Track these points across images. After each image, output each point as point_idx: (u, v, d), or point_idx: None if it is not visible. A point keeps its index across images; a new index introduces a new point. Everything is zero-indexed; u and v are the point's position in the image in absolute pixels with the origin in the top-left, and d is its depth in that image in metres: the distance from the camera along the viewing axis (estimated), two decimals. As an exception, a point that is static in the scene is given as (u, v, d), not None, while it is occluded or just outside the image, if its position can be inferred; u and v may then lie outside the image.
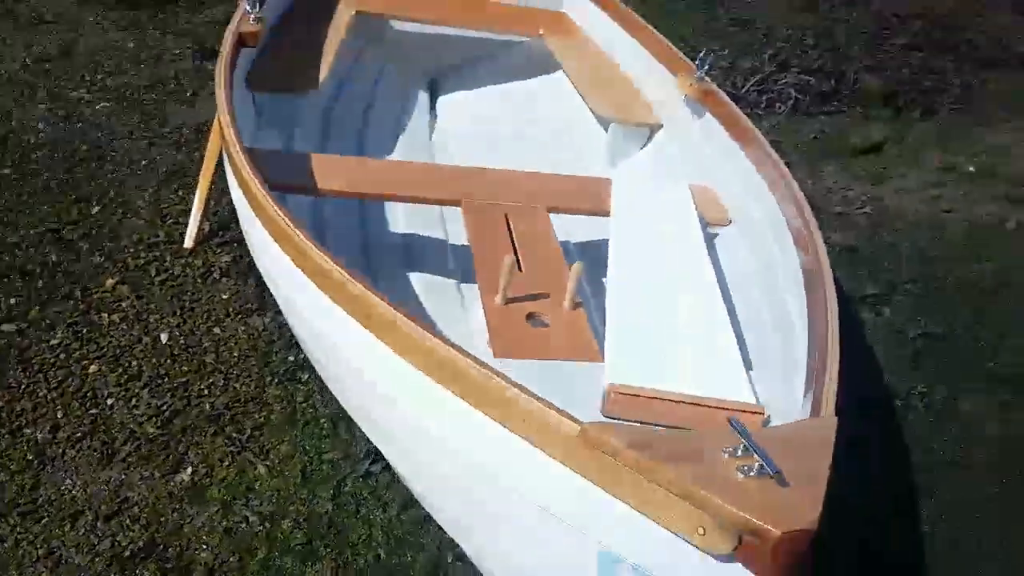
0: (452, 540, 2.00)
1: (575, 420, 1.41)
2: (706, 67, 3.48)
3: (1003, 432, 2.91)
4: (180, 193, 3.93)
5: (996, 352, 3.30)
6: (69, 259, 3.44)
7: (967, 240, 3.89)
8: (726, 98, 3.40)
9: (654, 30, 4.14)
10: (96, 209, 3.77)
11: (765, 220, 2.84)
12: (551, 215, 3.00)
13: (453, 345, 1.64)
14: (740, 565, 1.24)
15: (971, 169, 4.35)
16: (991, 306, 3.53)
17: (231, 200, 2.96)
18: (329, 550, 2.40)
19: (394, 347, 1.76)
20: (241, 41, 3.33)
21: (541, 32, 4.65)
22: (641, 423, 1.90)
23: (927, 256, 3.84)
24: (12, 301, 3.18)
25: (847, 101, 5.03)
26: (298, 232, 2.05)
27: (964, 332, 3.41)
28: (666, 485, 1.27)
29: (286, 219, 2.11)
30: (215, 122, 3.58)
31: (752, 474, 1.26)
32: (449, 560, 2.40)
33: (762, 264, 2.78)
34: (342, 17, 4.14)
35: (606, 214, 3.06)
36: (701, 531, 1.26)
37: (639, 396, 1.95)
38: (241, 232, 2.99)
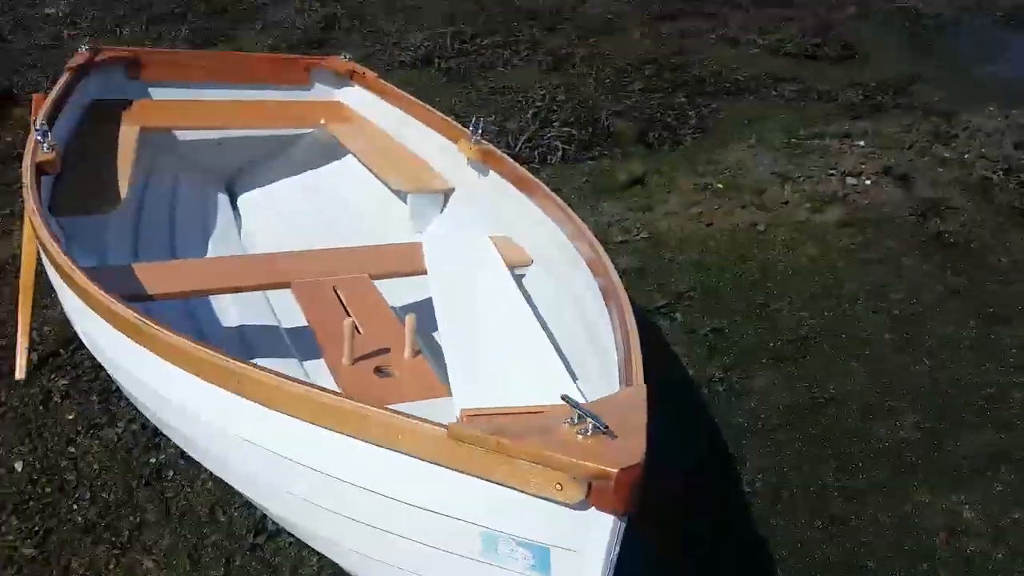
0: None
1: (440, 424, 1.67)
2: (480, 131, 3.88)
3: (791, 399, 3.43)
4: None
5: (773, 334, 3.85)
6: None
7: (730, 245, 4.51)
8: (504, 155, 3.78)
9: (428, 106, 4.52)
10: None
11: (561, 255, 3.19)
12: (374, 282, 3.29)
13: (323, 388, 1.90)
14: (594, 508, 1.54)
15: (720, 185, 5.03)
16: (760, 297, 4.12)
17: (56, 324, 3.03)
18: None
19: (267, 401, 1.94)
20: (41, 170, 3.38)
21: (322, 122, 4.94)
22: None
23: (701, 265, 4.39)
24: None
25: (606, 145, 5.63)
26: (158, 328, 2.24)
27: (744, 322, 3.95)
28: (525, 456, 1.56)
29: (146, 321, 2.29)
30: (25, 253, 3.66)
31: (588, 434, 1.58)
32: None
33: (567, 292, 3.17)
34: (129, 136, 4.19)
35: (423, 272, 3.43)
36: (558, 486, 1.54)
37: (487, 415, 2.27)
38: (72, 352, 3.08)
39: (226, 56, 5.20)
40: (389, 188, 4.40)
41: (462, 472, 1.67)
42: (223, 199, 4.89)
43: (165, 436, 3.16)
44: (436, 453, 1.69)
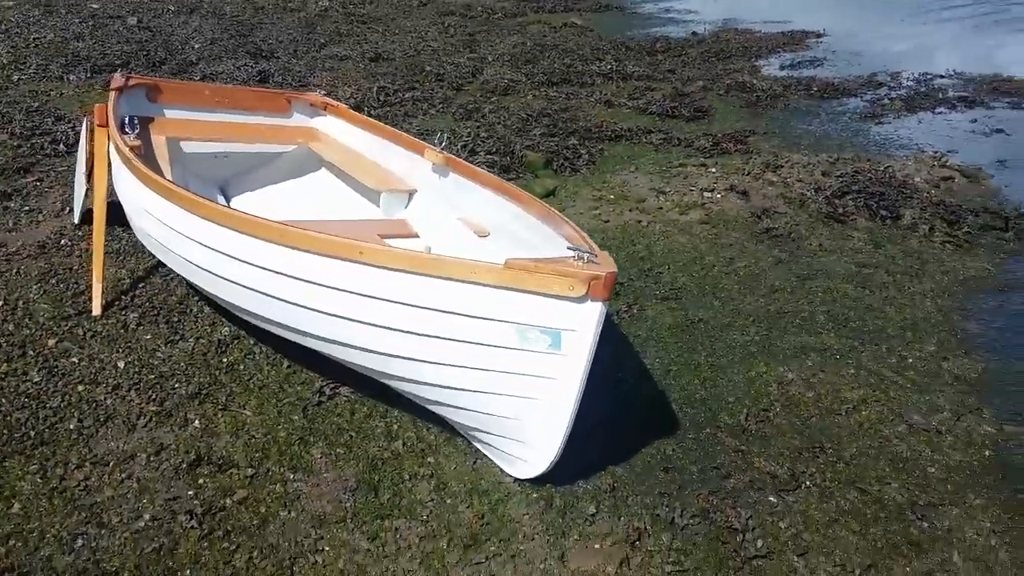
0: (393, 417, 3.44)
1: (497, 263, 2.96)
2: (443, 142, 5.20)
3: (672, 321, 4.86)
4: (60, 286, 4.89)
5: (659, 286, 5.26)
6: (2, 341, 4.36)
7: (623, 234, 5.98)
8: (461, 160, 5.03)
9: (392, 128, 5.83)
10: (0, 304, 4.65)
11: (517, 223, 4.35)
12: None
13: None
14: (589, 301, 2.91)
15: (611, 197, 6.56)
16: (647, 265, 5.55)
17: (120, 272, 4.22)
18: (316, 439, 3.70)
19: (374, 260, 3.13)
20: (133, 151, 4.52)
21: (300, 142, 6.21)
22: None
23: (603, 246, 5.71)
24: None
25: (521, 169, 7.09)
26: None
27: (638, 278, 5.33)
28: (552, 272, 2.87)
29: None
30: (96, 210, 4.73)
31: (585, 261, 2.98)
32: (395, 427, 3.83)
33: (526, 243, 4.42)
34: (160, 140, 5.39)
35: (416, 236, 4.74)
36: (571, 288, 2.93)
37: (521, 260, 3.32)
38: (135, 293, 4.29)
39: (223, 88, 6.38)
40: (361, 192, 5.61)
41: (508, 288, 2.96)
42: (220, 200, 6.00)
43: (235, 343, 4.32)
44: (496, 279, 2.97)
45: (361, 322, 3.31)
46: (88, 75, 10.01)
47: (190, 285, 4.75)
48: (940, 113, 9.82)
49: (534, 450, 3.26)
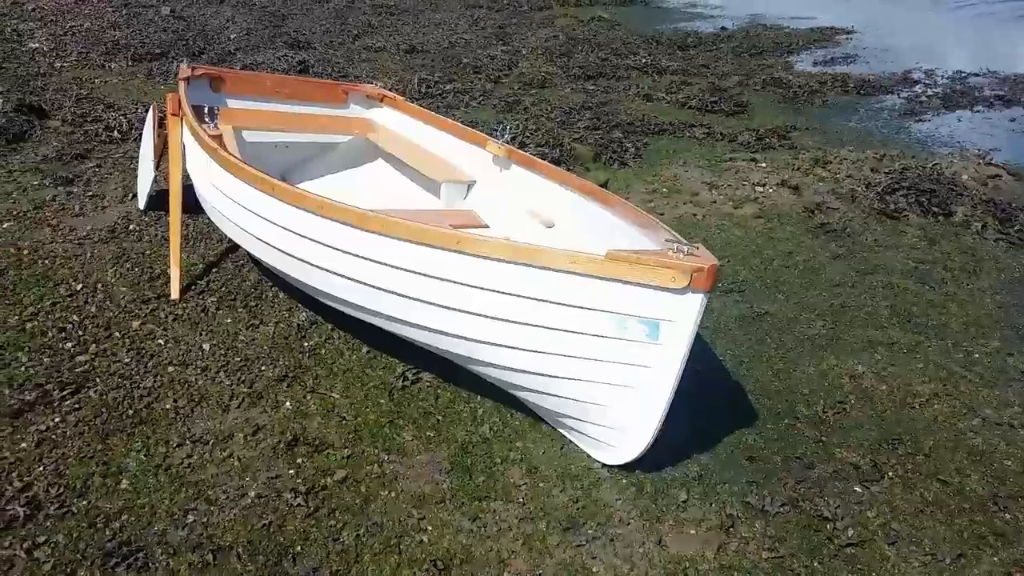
0: (477, 402, 3.51)
1: (595, 253, 3.01)
2: (506, 134, 5.29)
3: (738, 313, 4.90)
4: (135, 270, 4.98)
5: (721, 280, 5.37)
6: (87, 323, 4.46)
7: (679, 227, 5.99)
8: (525, 154, 5.05)
9: (451, 120, 5.90)
10: (79, 286, 4.74)
11: (578, 213, 4.44)
12: None
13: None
14: (690, 292, 2.98)
15: (664, 190, 6.64)
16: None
17: (198, 258, 4.29)
18: (405, 422, 3.79)
19: (476, 251, 3.18)
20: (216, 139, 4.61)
21: (356, 132, 6.28)
22: None
23: None
24: (86, 333, 4.19)
25: (571, 162, 7.18)
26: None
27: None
28: (654, 263, 2.93)
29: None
30: (172, 196, 4.82)
31: (685, 253, 3.05)
32: (480, 412, 3.90)
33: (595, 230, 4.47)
34: (226, 129, 5.47)
35: (485, 226, 4.81)
36: (673, 279, 2.99)
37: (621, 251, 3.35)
38: (212, 278, 4.41)
39: (283, 79, 6.46)
40: (419, 182, 5.66)
41: (609, 279, 3.02)
42: None
43: (313, 328, 4.41)
44: (596, 269, 3.02)
45: (457, 310, 3.38)
46: (129, 63, 10.11)
47: (266, 270, 4.84)
48: (979, 111, 9.86)
49: (627, 437, 3.33)
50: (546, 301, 3.18)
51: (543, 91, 9.98)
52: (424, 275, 3.39)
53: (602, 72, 11.06)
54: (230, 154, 4.23)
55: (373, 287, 3.62)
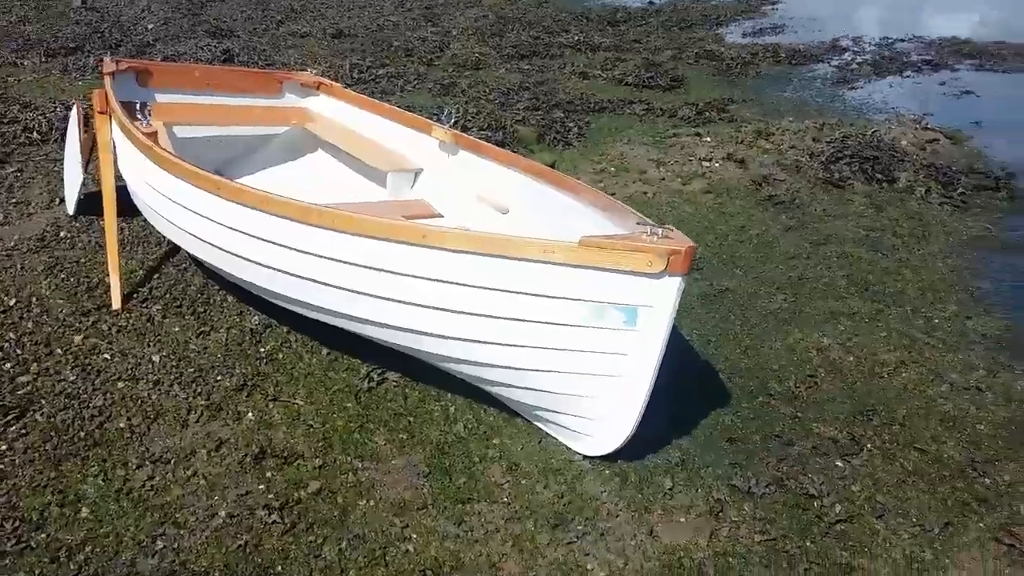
0: (448, 400, 3.37)
1: (572, 241, 2.88)
2: (452, 119, 5.12)
3: (699, 291, 4.88)
4: (71, 280, 4.70)
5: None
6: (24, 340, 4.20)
7: (630, 206, 6.02)
8: (471, 138, 4.89)
9: (393, 106, 5.72)
10: (12, 300, 4.45)
11: (532, 196, 4.30)
12: None
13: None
14: (667, 276, 2.87)
15: (612, 169, 6.57)
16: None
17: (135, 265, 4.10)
18: (375, 426, 3.62)
19: (442, 243, 3.03)
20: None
21: (293, 123, 6.06)
22: None
23: None
24: (25, 351, 3.94)
25: (516, 144, 7.06)
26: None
27: None
28: (628, 248, 2.82)
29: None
30: (106, 201, 4.55)
31: (660, 236, 2.94)
32: (452, 410, 3.77)
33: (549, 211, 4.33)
34: (159, 125, 5.17)
35: (440, 215, 4.66)
36: (650, 263, 2.90)
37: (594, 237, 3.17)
38: (154, 285, 4.23)
39: (212, 70, 6.18)
40: (363, 172, 5.44)
41: (583, 267, 2.90)
42: None
43: (268, 332, 4.22)
44: (570, 257, 2.90)
45: (425, 307, 3.25)
46: (43, 59, 9.65)
47: (211, 273, 4.62)
48: (908, 76, 10.04)
49: (608, 427, 3.26)
50: (519, 292, 3.07)
51: (478, 72, 9.82)
52: (390, 272, 3.24)
53: (535, 51, 10.95)
54: (167, 151, 3.99)
55: (335, 287, 3.45)
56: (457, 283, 3.14)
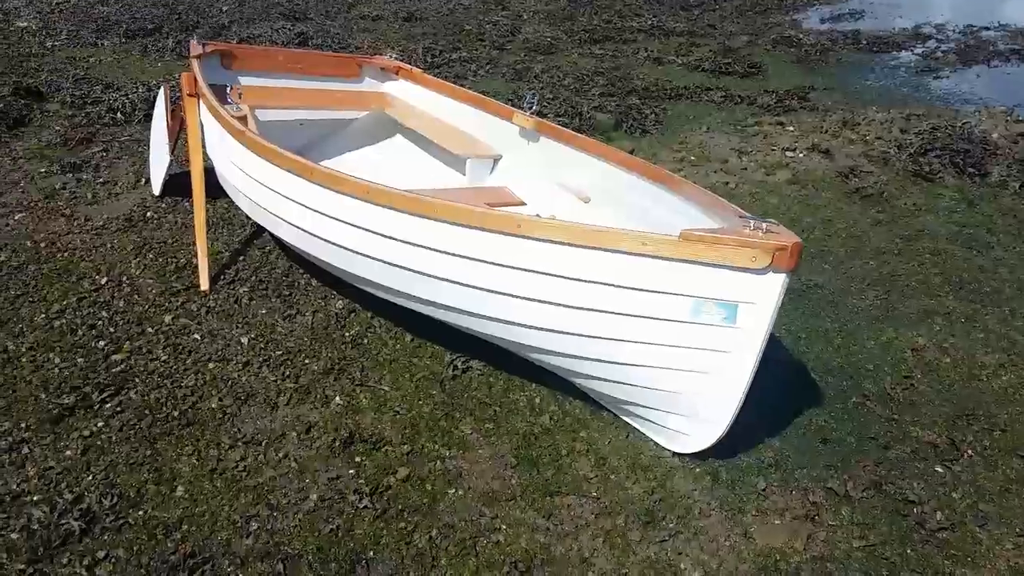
0: (532, 390, 3.34)
1: (669, 234, 2.81)
2: (535, 104, 5.04)
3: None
4: (160, 260, 4.77)
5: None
6: (116, 318, 4.27)
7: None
8: (553, 124, 4.81)
9: (472, 91, 5.67)
10: (104, 279, 4.53)
11: (614, 186, 4.24)
12: None
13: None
14: (771, 272, 2.78)
15: (693, 158, 6.45)
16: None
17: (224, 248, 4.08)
18: (461, 414, 3.61)
19: (545, 234, 2.98)
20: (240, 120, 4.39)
21: (373, 107, 6.06)
22: None
23: None
24: (118, 330, 4.01)
25: (591, 131, 6.96)
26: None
27: None
28: (733, 243, 2.73)
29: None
30: (195, 185, 4.59)
31: (764, 231, 2.85)
32: (537, 400, 3.74)
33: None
34: (247, 109, 5.20)
35: (522, 203, 4.62)
36: (754, 258, 2.79)
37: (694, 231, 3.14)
38: (240, 267, 4.29)
39: (295, 53, 6.21)
40: (441, 158, 5.43)
41: (684, 261, 2.82)
42: None
43: (352, 316, 4.22)
44: (670, 251, 2.82)
45: (521, 297, 3.21)
46: (122, 40, 9.82)
47: (296, 256, 4.65)
48: (996, 67, 9.69)
49: (702, 425, 3.19)
50: (616, 286, 3.00)
51: (550, 57, 9.73)
52: (484, 261, 3.21)
53: (608, 36, 10.81)
54: (261, 137, 4.01)
55: (428, 275, 3.44)
56: (552, 274, 3.09)
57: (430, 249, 3.34)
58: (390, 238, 3.45)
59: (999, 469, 3.39)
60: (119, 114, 7.11)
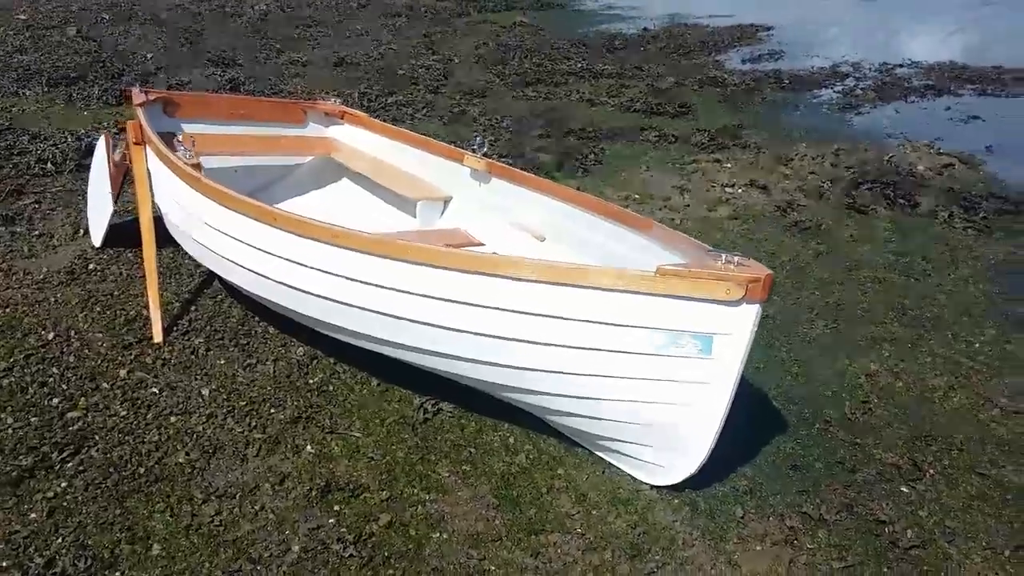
0: (505, 430, 3.36)
1: (648, 270, 2.87)
2: (484, 147, 5.10)
3: None
4: (107, 313, 4.64)
5: None
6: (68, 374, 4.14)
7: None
8: (504, 165, 4.88)
9: (420, 135, 5.69)
10: (51, 334, 4.38)
11: (568, 224, 4.33)
12: None
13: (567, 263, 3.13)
14: (745, 302, 2.84)
15: (636, 196, 6.60)
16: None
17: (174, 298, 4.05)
18: (437, 457, 3.57)
19: (516, 272, 3.01)
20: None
21: (318, 152, 6.05)
22: None
23: None
24: (71, 386, 3.88)
25: (534, 172, 7.03)
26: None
27: None
28: (709, 278, 2.81)
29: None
30: (145, 232, 4.50)
31: (736, 264, 2.93)
32: (511, 440, 3.74)
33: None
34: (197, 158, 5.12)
35: (481, 244, 4.64)
36: (728, 291, 2.87)
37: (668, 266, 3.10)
38: (194, 317, 4.26)
39: (238, 99, 6.16)
40: (390, 201, 5.42)
41: (659, 295, 2.88)
42: None
43: (315, 363, 4.17)
44: (647, 286, 2.88)
45: (497, 337, 3.22)
46: (45, 89, 9.58)
47: (251, 304, 4.58)
48: (913, 102, 10.17)
49: (680, 457, 3.24)
50: (593, 322, 3.04)
51: (485, 100, 9.85)
52: (460, 303, 3.22)
53: (539, 79, 11.00)
54: (217, 184, 3.96)
55: (398, 318, 3.42)
56: (529, 312, 3.11)
57: (404, 292, 3.33)
58: (360, 282, 3.44)
59: (960, 487, 3.51)
60: (49, 164, 6.91)
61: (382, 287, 3.36)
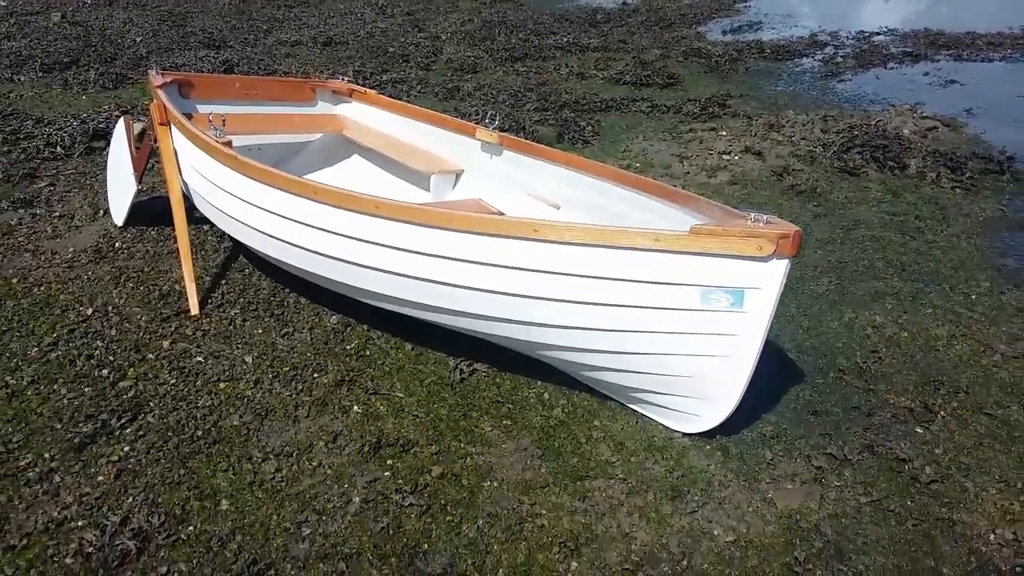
0: (539, 387, 3.56)
1: (679, 230, 3.09)
2: (496, 121, 5.26)
3: None
4: (141, 288, 4.78)
5: None
6: (113, 347, 4.28)
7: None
8: (516, 138, 5.03)
9: (423, 108, 5.81)
10: (89, 310, 4.53)
11: (582, 192, 4.50)
12: None
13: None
14: (775, 258, 3.04)
15: (638, 165, 6.81)
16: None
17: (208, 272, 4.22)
18: (478, 414, 3.77)
19: (569, 238, 3.20)
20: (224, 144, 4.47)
21: (328, 130, 6.18)
22: None
23: None
24: (117, 358, 4.03)
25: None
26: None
27: None
28: (742, 235, 3.00)
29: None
30: (175, 213, 4.65)
31: (764, 222, 3.14)
32: (546, 396, 3.94)
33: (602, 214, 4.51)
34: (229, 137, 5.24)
35: (500, 212, 4.81)
36: (759, 248, 3.07)
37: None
38: (227, 290, 4.40)
39: (251, 80, 6.26)
40: (402, 176, 5.55)
41: (694, 253, 3.08)
42: None
43: (349, 330, 4.34)
44: (682, 244, 3.07)
45: (539, 298, 3.40)
46: (40, 74, 9.58)
47: (282, 275, 4.73)
48: (892, 68, 10.41)
49: (712, 406, 3.45)
50: (630, 280, 3.23)
51: (477, 75, 9.98)
52: (501, 266, 3.39)
53: (527, 53, 11.13)
54: (253, 161, 4.10)
55: (442, 283, 3.59)
56: (568, 273, 3.29)
57: (447, 259, 3.50)
58: (405, 251, 3.60)
59: (970, 426, 3.76)
60: (59, 148, 6.98)
61: (427, 254, 3.53)
